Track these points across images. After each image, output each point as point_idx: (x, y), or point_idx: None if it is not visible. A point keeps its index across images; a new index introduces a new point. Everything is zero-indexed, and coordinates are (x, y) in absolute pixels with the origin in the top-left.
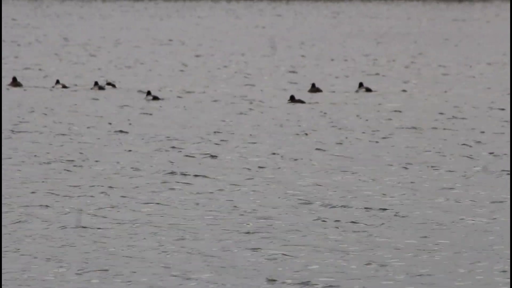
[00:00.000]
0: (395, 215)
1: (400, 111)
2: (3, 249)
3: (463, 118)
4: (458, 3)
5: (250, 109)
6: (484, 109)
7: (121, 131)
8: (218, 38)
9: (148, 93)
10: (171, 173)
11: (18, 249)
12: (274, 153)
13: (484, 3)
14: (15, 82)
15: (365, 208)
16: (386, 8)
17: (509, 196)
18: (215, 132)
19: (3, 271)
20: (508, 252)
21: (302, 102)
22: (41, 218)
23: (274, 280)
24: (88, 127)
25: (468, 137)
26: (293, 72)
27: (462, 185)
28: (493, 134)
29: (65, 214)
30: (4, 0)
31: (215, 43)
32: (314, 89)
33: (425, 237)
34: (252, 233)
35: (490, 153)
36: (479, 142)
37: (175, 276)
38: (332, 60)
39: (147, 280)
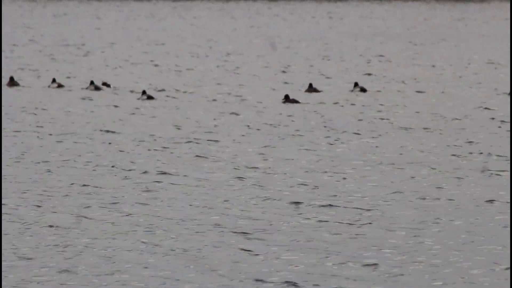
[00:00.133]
0: (381, 215)
1: (395, 111)
2: None
3: (458, 119)
4: (455, 3)
5: (244, 109)
6: (480, 109)
7: (114, 131)
8: (213, 38)
9: (143, 92)
10: (161, 173)
11: None
12: (263, 153)
13: (481, 4)
14: (12, 82)
15: (353, 207)
16: (382, 8)
17: (499, 196)
18: (206, 132)
19: None
20: (496, 251)
21: (296, 102)
22: (24, 217)
23: (261, 280)
24: (81, 126)
25: (462, 137)
26: (290, 72)
27: (453, 186)
28: (488, 134)
29: (54, 213)
30: (4, 0)
31: (211, 43)
32: (311, 89)
33: (415, 236)
34: (239, 233)
35: (481, 153)
36: (471, 142)
37: (164, 278)
38: (329, 60)
39: (130, 280)
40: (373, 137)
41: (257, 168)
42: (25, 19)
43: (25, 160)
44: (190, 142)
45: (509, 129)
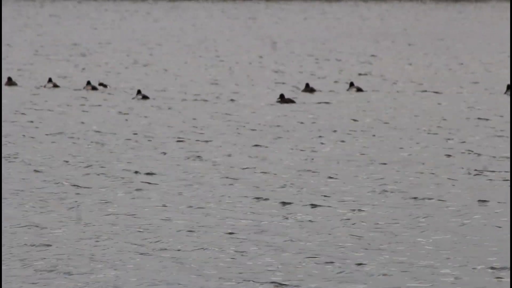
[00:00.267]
0: (366, 215)
1: (390, 111)
2: None
3: (453, 119)
4: (452, 3)
5: (239, 109)
6: (475, 109)
7: (107, 131)
8: (209, 38)
9: (138, 92)
10: (151, 173)
11: None
12: (254, 153)
13: (479, 4)
14: (10, 82)
15: (336, 208)
16: (379, 9)
17: (491, 196)
18: (199, 132)
19: None
20: (488, 252)
21: (292, 101)
22: (13, 217)
23: (247, 281)
24: (74, 126)
25: (456, 137)
26: (287, 72)
27: (444, 186)
28: (485, 135)
29: (42, 213)
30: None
31: (206, 43)
32: (308, 88)
33: (403, 236)
34: (227, 233)
35: (473, 153)
36: (464, 142)
37: (150, 278)
38: (325, 60)
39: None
40: (367, 137)
41: (247, 168)
42: (23, 19)
43: (17, 160)
44: (183, 142)
45: (503, 129)
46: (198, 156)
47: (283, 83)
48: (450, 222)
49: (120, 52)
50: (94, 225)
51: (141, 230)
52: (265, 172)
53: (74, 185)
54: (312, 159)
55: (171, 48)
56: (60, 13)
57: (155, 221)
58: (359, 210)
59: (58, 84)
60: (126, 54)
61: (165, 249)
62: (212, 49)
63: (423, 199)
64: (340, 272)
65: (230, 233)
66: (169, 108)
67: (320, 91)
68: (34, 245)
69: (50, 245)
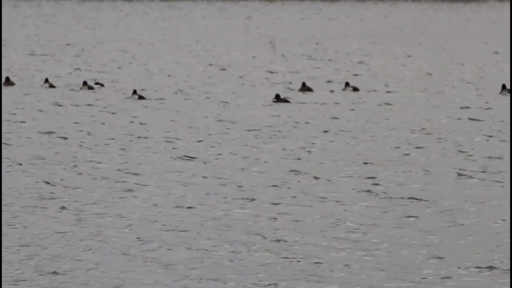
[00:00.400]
0: (358, 216)
1: (385, 111)
2: None
3: (449, 119)
4: (449, 3)
5: (234, 109)
6: (470, 109)
7: (101, 130)
8: (206, 37)
9: (134, 92)
10: (138, 174)
11: None
12: (245, 153)
13: (478, 4)
14: (8, 82)
15: (329, 207)
16: (376, 9)
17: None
18: (194, 132)
19: None
20: (484, 252)
21: (287, 101)
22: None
23: (236, 281)
24: (69, 126)
25: (451, 138)
26: (283, 71)
27: (438, 186)
28: (482, 135)
29: (25, 213)
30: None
31: (203, 43)
32: (304, 88)
33: (387, 236)
34: (216, 234)
35: (468, 154)
36: (458, 144)
37: (124, 278)
38: (321, 59)
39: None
40: (362, 137)
41: (239, 168)
42: (20, 19)
43: (8, 161)
44: (176, 142)
45: (498, 129)
46: (191, 156)
47: (279, 83)
48: (440, 222)
49: (116, 51)
50: (83, 227)
51: (131, 230)
52: (257, 172)
53: (64, 186)
54: (305, 159)
55: (167, 47)
56: (56, 13)
57: (145, 221)
58: (353, 210)
59: (54, 84)
60: (122, 54)
61: (154, 250)
62: (208, 49)
63: (416, 199)
64: (330, 271)
65: (220, 234)
66: (164, 108)
67: (313, 90)
68: (23, 245)
69: (38, 246)
